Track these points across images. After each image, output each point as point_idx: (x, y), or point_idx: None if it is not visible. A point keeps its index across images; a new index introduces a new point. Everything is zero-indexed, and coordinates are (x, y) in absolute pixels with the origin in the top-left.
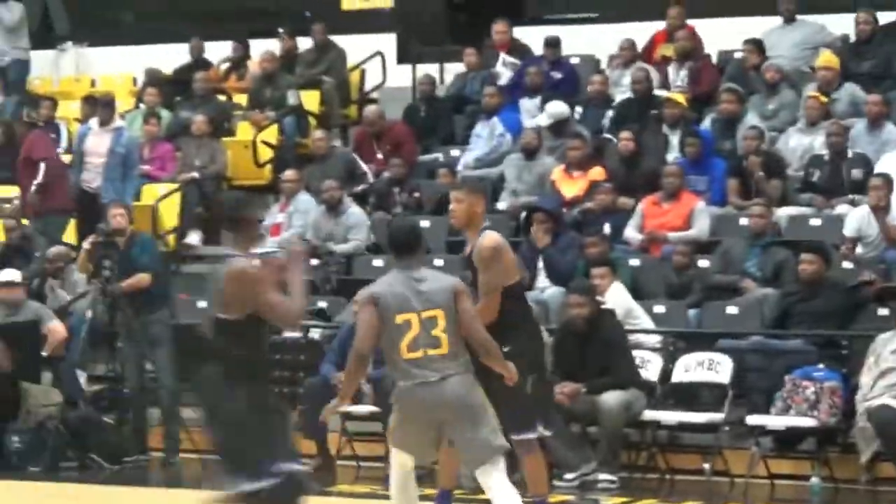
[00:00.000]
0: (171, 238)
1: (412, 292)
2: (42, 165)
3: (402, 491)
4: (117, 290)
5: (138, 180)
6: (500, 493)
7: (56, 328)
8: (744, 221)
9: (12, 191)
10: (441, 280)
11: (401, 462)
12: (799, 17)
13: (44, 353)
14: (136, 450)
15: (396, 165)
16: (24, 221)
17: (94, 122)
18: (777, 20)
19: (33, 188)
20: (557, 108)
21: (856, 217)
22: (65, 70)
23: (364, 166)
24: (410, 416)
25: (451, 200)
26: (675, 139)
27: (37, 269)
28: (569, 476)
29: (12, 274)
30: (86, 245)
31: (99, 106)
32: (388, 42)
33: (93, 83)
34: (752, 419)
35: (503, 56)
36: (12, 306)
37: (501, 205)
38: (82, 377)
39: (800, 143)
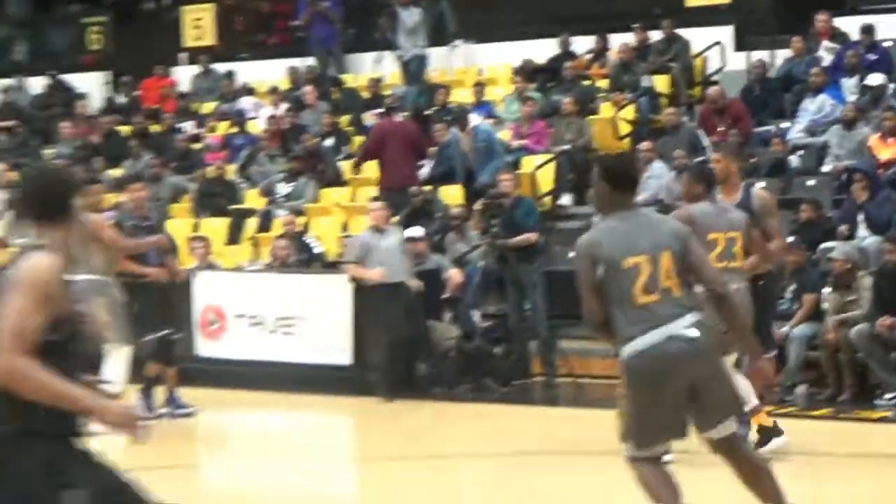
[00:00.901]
0: (546, 200)
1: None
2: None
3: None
4: (504, 243)
5: (501, 159)
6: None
7: (454, 275)
8: None
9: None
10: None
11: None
12: None
13: (445, 296)
14: (521, 374)
15: (735, 136)
16: (426, 187)
17: (454, 130)
18: None
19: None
20: (878, 78)
21: None
22: (456, 63)
23: (705, 140)
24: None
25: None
26: None
27: (438, 226)
28: (888, 395)
29: (417, 231)
30: (478, 206)
31: (454, 118)
32: (726, 33)
33: (479, 72)
34: None
35: (825, 42)
36: (418, 257)
37: (825, 168)
38: (476, 315)
39: None
